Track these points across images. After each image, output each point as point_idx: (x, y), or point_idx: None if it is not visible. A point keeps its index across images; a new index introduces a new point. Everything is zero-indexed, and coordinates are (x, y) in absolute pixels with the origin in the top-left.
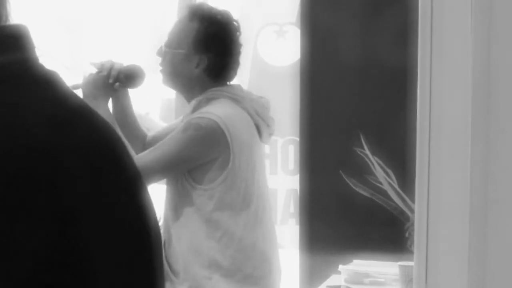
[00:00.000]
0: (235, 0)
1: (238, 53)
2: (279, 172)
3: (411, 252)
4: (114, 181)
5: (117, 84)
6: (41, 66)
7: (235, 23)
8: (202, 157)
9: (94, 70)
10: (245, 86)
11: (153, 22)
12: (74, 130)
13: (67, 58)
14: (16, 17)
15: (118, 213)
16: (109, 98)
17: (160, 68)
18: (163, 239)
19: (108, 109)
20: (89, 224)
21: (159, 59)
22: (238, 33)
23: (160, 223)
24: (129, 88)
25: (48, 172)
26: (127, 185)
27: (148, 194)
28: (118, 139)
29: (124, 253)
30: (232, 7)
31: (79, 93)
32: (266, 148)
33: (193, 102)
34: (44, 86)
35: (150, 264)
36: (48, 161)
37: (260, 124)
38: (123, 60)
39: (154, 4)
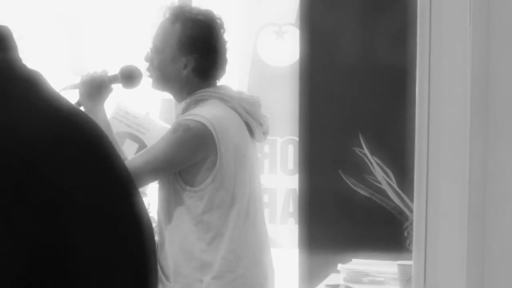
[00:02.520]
0: (234, 1)
1: (225, 50)
2: (278, 172)
3: (410, 251)
4: (105, 185)
5: (113, 75)
6: (24, 66)
7: (218, 20)
8: (191, 158)
9: (92, 70)
10: (244, 86)
11: (153, 22)
12: (59, 132)
13: (67, 58)
14: (16, 17)
15: (109, 218)
16: (105, 99)
17: (148, 74)
18: (156, 241)
19: (104, 110)
20: (79, 228)
21: (147, 65)
22: (222, 30)
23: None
24: (127, 88)
25: (34, 178)
26: (119, 189)
27: (141, 198)
28: (107, 141)
29: (116, 255)
30: (231, 8)
31: (76, 93)
32: (266, 148)
33: (182, 104)
34: (26, 85)
35: (143, 267)
36: (33, 167)
37: (251, 122)
38: (123, 60)
39: (154, 5)
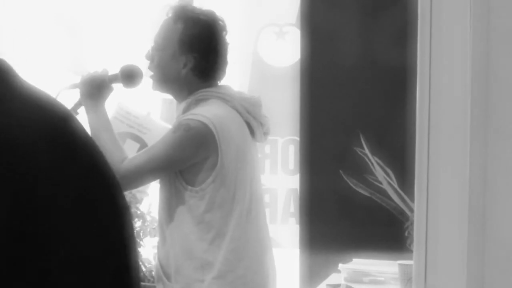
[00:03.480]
0: (235, 1)
1: (225, 52)
2: (279, 172)
3: (411, 251)
4: (86, 179)
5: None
6: None
7: (220, 22)
8: (192, 157)
9: (92, 70)
10: (245, 87)
11: (156, 21)
12: (30, 122)
13: (67, 58)
14: (16, 17)
15: (92, 211)
16: (106, 98)
17: (151, 73)
18: (157, 240)
19: (104, 109)
20: (60, 219)
21: (148, 63)
22: (224, 32)
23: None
24: (127, 87)
25: (23, 171)
26: (103, 185)
27: (125, 200)
28: (87, 136)
29: (96, 246)
30: (232, 8)
31: (77, 92)
32: (267, 148)
33: (183, 104)
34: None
35: (123, 260)
36: (21, 161)
37: (252, 122)
38: (123, 60)
39: (155, 5)
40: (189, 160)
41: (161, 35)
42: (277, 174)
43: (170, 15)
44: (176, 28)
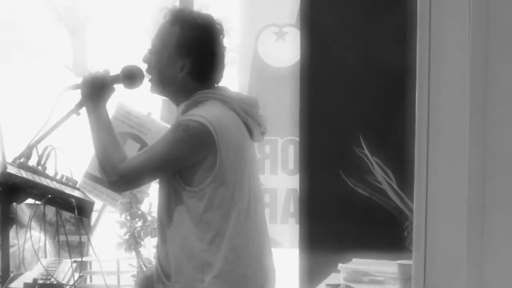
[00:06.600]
0: (235, 2)
1: (223, 56)
2: (279, 172)
3: (410, 251)
4: None
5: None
6: None
7: (218, 26)
8: (191, 158)
9: (94, 70)
10: (245, 87)
11: (154, 24)
12: None
13: (69, 58)
14: (17, 17)
15: None
16: (108, 99)
17: (149, 76)
18: (156, 240)
19: (106, 110)
20: None
21: (146, 66)
22: (221, 36)
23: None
24: (128, 88)
25: None
26: None
27: None
28: None
29: None
30: (232, 9)
31: (78, 93)
32: (266, 148)
33: (181, 106)
34: None
35: None
36: None
37: (250, 123)
38: (124, 60)
39: (156, 6)
40: (187, 160)
41: (158, 38)
42: (277, 174)
43: (167, 18)
44: (173, 31)
